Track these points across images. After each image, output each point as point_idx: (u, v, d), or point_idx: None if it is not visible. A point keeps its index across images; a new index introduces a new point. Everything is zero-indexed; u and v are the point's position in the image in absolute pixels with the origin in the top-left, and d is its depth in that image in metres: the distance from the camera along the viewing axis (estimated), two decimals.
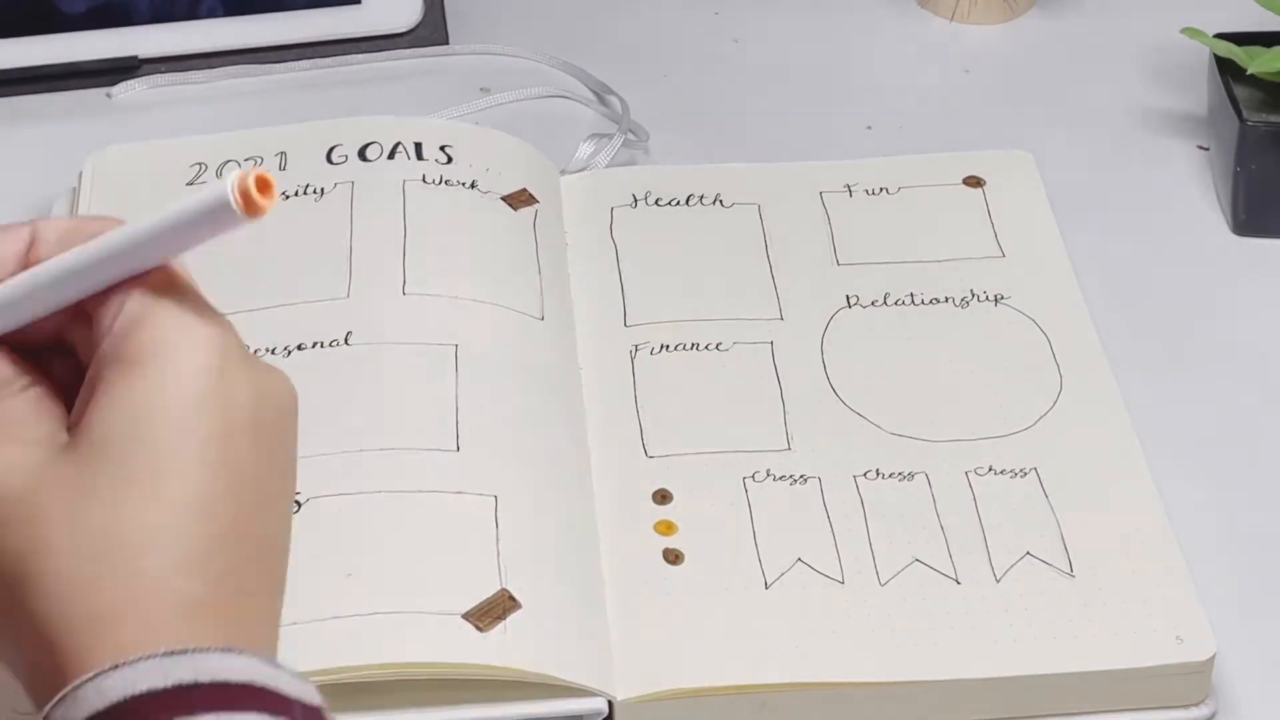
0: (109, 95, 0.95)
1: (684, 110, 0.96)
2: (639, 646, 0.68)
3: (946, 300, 0.81)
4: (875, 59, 1.00)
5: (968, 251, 0.84)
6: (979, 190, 0.87)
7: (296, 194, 0.83)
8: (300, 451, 0.68)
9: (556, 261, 0.82)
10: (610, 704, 0.67)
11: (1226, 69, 0.88)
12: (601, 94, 0.95)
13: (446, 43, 0.99)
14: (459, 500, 0.70)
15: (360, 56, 0.98)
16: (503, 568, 0.69)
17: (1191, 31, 0.89)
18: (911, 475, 0.74)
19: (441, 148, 0.84)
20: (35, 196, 0.90)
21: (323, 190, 0.83)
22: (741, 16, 1.02)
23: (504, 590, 0.68)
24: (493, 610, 0.67)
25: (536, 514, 0.71)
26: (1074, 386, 0.78)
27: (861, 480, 0.74)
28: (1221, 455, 0.78)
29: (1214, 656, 0.68)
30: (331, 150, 0.85)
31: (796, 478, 0.74)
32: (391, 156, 0.84)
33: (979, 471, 0.74)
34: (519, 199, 0.83)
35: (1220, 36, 0.89)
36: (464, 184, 0.83)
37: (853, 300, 0.81)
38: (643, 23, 1.02)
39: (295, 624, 0.65)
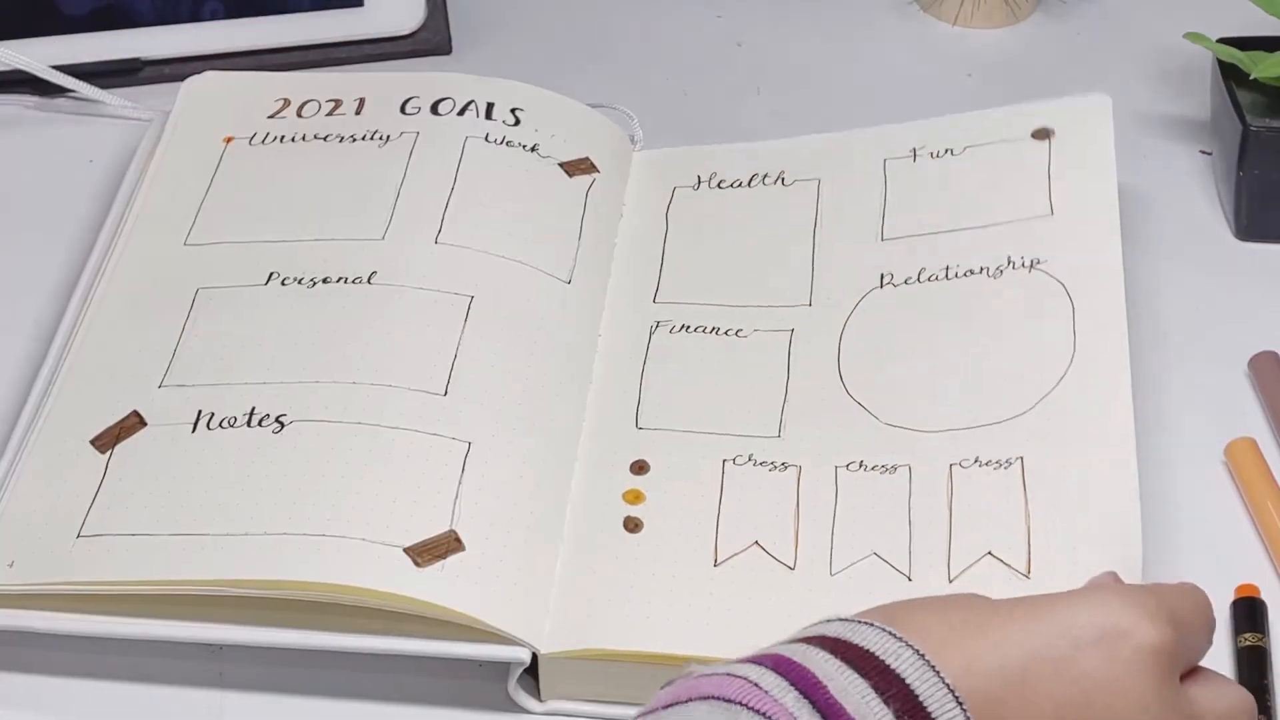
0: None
1: (686, 113, 0.96)
2: (578, 604, 0.69)
3: (981, 271, 0.80)
4: (878, 63, 1.00)
5: (1016, 213, 0.82)
6: (1045, 143, 0.85)
7: (365, 138, 0.86)
8: (296, 376, 0.74)
9: (603, 231, 0.83)
10: (535, 655, 0.68)
11: (1229, 74, 0.88)
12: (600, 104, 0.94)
13: (449, 45, 0.99)
14: (432, 441, 0.72)
15: (362, 59, 0.98)
16: (457, 511, 0.70)
17: (1195, 36, 0.89)
18: (895, 468, 0.74)
19: (513, 110, 0.86)
20: (37, 197, 0.90)
21: (388, 137, 0.86)
22: (745, 21, 1.02)
23: (451, 531, 0.70)
24: (435, 549, 0.69)
25: (507, 465, 0.72)
26: (1085, 363, 0.76)
27: (843, 471, 0.74)
28: (1225, 461, 0.78)
29: None
30: (407, 101, 0.87)
31: (777, 465, 0.74)
32: (461, 113, 0.86)
33: (964, 464, 0.73)
34: (578, 167, 0.85)
35: (1223, 41, 0.89)
36: (525, 146, 0.85)
37: (886, 279, 0.81)
38: (646, 26, 1.02)
39: (248, 535, 0.69)
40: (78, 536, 0.70)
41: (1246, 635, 0.70)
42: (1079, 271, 0.80)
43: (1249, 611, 0.71)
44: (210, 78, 0.91)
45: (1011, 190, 0.84)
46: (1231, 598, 0.72)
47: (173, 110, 0.89)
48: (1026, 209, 0.83)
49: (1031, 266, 0.80)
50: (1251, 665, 0.69)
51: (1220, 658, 0.71)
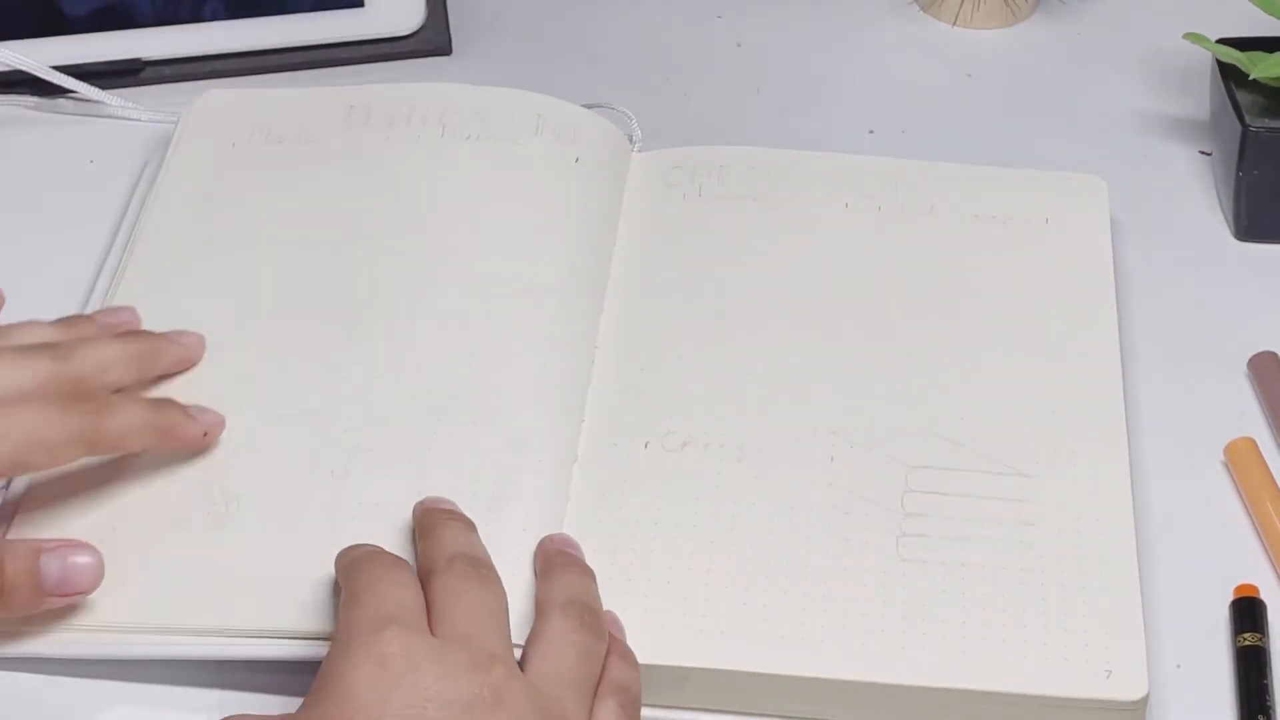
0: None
1: (686, 113, 0.96)
2: None
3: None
4: (877, 63, 1.00)
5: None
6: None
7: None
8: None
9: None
10: None
11: (1229, 74, 0.88)
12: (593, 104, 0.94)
13: (449, 45, 0.99)
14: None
15: (362, 59, 0.98)
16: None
17: (1194, 37, 0.89)
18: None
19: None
20: (38, 198, 0.90)
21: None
22: (744, 20, 1.02)
23: None
24: None
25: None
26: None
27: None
28: (1225, 461, 0.78)
29: (1145, 698, 0.66)
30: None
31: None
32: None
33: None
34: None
35: (1223, 42, 0.89)
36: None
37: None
38: (646, 26, 1.02)
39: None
40: None
41: (1246, 635, 0.70)
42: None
43: (1249, 611, 0.71)
44: (213, 96, 0.90)
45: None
46: (1227, 598, 0.72)
47: (180, 127, 0.89)
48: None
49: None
50: (1251, 665, 0.70)
51: (1220, 658, 0.71)
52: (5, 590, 0.66)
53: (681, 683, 0.68)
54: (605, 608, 0.68)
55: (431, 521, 0.68)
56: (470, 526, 0.68)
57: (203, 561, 0.70)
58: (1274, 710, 0.68)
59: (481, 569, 0.65)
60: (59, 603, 0.67)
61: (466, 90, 0.88)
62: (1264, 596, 0.72)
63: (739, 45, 1.01)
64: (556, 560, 0.68)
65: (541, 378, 0.76)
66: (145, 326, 0.78)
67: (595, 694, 0.64)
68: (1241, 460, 0.77)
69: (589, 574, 0.68)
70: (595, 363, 0.78)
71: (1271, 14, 0.90)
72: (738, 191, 0.85)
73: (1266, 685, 0.69)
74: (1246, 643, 0.70)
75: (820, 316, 0.80)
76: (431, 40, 0.99)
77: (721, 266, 0.82)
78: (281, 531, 0.71)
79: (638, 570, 0.70)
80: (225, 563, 0.70)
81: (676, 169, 0.87)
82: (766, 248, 0.83)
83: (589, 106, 0.89)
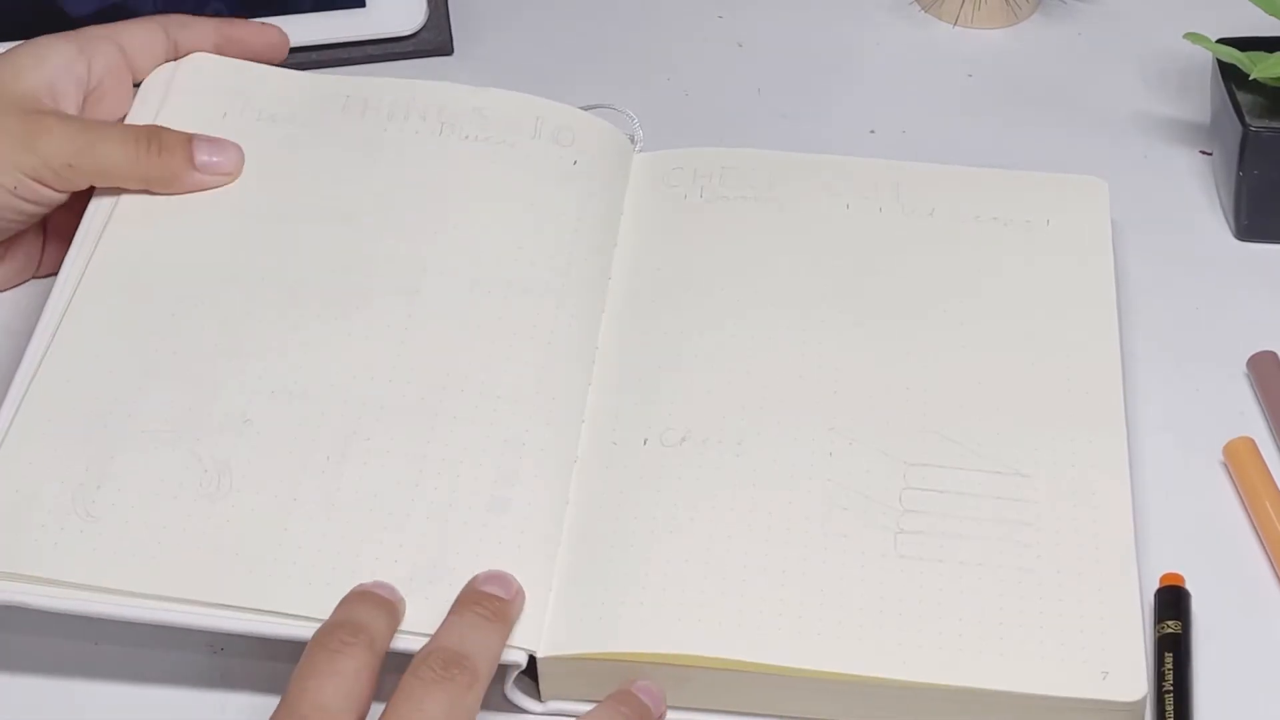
0: None
1: (687, 113, 0.96)
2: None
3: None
4: (878, 63, 1.00)
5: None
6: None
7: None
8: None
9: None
10: (531, 656, 0.68)
11: (1229, 74, 0.89)
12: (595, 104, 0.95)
13: (451, 45, 0.99)
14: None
15: (364, 59, 0.98)
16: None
17: (1194, 37, 0.89)
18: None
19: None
20: None
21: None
22: (745, 20, 1.02)
23: None
24: None
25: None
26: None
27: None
28: (1224, 461, 0.78)
29: (1144, 699, 0.67)
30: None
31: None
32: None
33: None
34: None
35: (1223, 42, 0.89)
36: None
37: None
38: (647, 26, 1.02)
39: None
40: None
41: (1169, 623, 0.71)
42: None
43: (1173, 600, 0.71)
44: (198, 59, 0.88)
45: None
46: (1226, 597, 0.72)
47: (171, 85, 0.87)
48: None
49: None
50: (1168, 651, 0.70)
51: (1218, 657, 0.71)
52: (164, 147, 0.80)
53: (683, 682, 0.68)
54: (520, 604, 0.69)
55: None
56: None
57: (196, 531, 0.70)
58: (1170, 689, 0.68)
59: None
60: (205, 179, 0.81)
61: (464, 90, 0.87)
62: (1263, 596, 0.72)
63: (739, 45, 1.01)
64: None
65: (541, 378, 0.76)
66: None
67: None
68: (1240, 460, 0.77)
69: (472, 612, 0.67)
70: (595, 363, 0.78)
71: (1271, 14, 0.90)
72: (739, 192, 0.86)
73: (1171, 670, 0.69)
74: (1168, 630, 0.70)
75: (820, 316, 0.80)
76: (432, 40, 0.99)
77: (722, 266, 0.82)
78: (275, 506, 0.70)
79: (636, 566, 0.70)
80: (218, 535, 0.70)
81: (678, 170, 0.87)
82: (768, 248, 0.83)
83: (590, 107, 0.89)
